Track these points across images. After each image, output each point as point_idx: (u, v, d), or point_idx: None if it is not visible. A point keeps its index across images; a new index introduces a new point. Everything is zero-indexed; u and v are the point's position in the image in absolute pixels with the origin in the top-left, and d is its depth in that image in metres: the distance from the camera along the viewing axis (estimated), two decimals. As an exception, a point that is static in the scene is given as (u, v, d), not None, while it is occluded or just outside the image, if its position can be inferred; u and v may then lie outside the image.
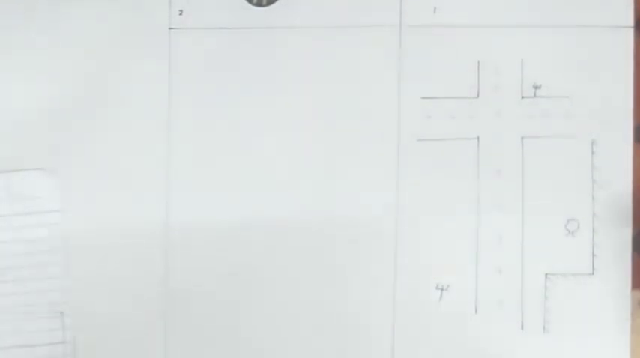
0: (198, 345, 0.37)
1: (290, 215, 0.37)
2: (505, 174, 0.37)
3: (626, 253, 0.37)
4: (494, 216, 0.37)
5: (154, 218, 0.37)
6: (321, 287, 0.37)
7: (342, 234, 0.37)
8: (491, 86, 0.37)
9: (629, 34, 0.37)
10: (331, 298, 0.37)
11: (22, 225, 0.37)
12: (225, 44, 0.37)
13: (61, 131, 0.37)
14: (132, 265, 0.37)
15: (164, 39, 0.37)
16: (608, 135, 0.37)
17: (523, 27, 0.37)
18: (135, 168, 0.37)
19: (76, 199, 0.37)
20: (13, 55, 0.37)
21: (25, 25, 0.37)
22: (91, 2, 0.37)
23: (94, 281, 0.37)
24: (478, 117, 0.37)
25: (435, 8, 0.37)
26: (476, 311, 0.37)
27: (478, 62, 0.37)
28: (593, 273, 0.37)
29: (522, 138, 0.37)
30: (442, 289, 0.37)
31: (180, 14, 0.37)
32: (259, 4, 0.38)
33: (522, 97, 0.37)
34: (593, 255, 0.37)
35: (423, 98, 0.37)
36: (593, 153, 0.37)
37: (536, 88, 0.37)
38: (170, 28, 0.37)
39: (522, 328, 0.37)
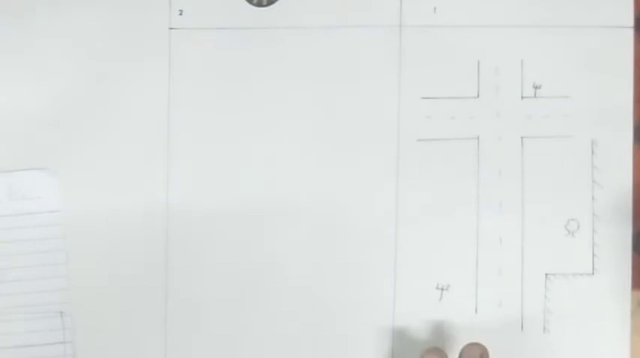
0: (199, 345, 0.37)
1: (290, 215, 0.37)
2: (505, 174, 0.37)
3: (626, 253, 0.37)
4: (494, 216, 0.37)
5: (154, 218, 0.37)
6: (321, 288, 0.37)
7: (342, 233, 0.37)
8: (492, 86, 0.37)
9: (629, 34, 0.37)
10: (331, 298, 0.37)
11: (22, 225, 0.37)
12: (225, 44, 0.37)
13: (61, 131, 0.37)
14: (132, 265, 0.37)
15: (164, 39, 0.37)
16: (608, 135, 0.37)
17: (523, 27, 0.37)
18: (135, 167, 0.37)
19: (76, 199, 0.37)
20: (13, 55, 0.37)
21: (25, 25, 0.37)
22: (91, 2, 0.37)
23: (94, 281, 0.37)
24: (478, 117, 0.37)
25: (435, 8, 0.37)
26: (476, 311, 0.37)
27: (478, 62, 0.37)
28: (593, 273, 0.37)
29: (522, 138, 0.37)
30: (442, 289, 0.37)
31: (180, 14, 0.37)
32: (259, 4, 0.38)
33: (522, 97, 0.37)
34: (593, 255, 0.37)
35: (423, 98, 0.37)
36: (593, 153, 0.37)
37: (536, 88, 0.37)
38: (170, 28, 0.37)
39: (522, 328, 0.37)
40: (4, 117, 0.37)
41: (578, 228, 0.37)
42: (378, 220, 0.37)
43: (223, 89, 0.37)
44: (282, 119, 0.37)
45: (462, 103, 0.37)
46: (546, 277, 0.37)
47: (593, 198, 0.37)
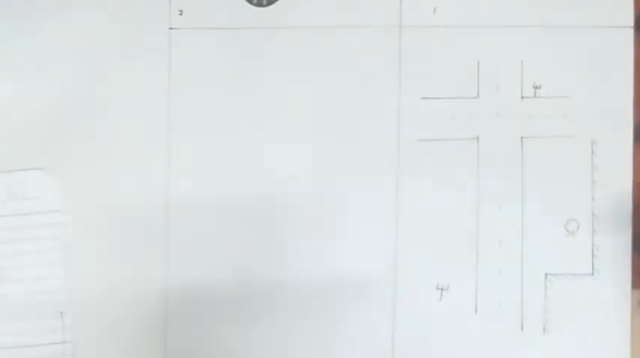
0: (199, 345, 0.37)
1: (290, 214, 0.37)
2: (505, 174, 0.37)
3: (626, 253, 0.37)
4: (494, 216, 0.37)
5: (154, 218, 0.37)
6: (321, 288, 0.37)
7: (342, 233, 0.37)
8: (492, 86, 0.37)
9: (629, 34, 0.37)
10: (331, 298, 0.37)
11: (22, 225, 0.37)
12: (225, 44, 0.37)
13: (61, 131, 0.37)
14: (132, 265, 0.37)
15: (164, 39, 0.37)
16: (608, 135, 0.37)
17: (523, 27, 0.37)
18: (135, 168, 0.37)
19: (76, 199, 0.37)
20: (14, 55, 0.37)
21: (25, 26, 0.37)
22: (91, 2, 0.37)
23: (94, 281, 0.37)
24: (478, 117, 0.37)
25: (434, 8, 0.37)
26: (476, 311, 0.37)
27: (478, 62, 0.37)
28: (593, 273, 0.37)
29: (522, 138, 0.37)
30: (442, 289, 0.37)
31: (180, 14, 0.37)
32: (259, 4, 0.38)
33: (522, 97, 0.37)
34: (593, 255, 0.37)
35: (423, 98, 0.37)
36: (593, 153, 0.37)
37: (536, 88, 0.37)
38: (170, 28, 0.37)
39: (522, 328, 0.37)
40: (4, 117, 0.37)
41: (578, 228, 0.37)
42: (378, 220, 0.37)
43: (223, 89, 0.37)
44: (281, 119, 0.37)
45: (462, 103, 0.37)
46: (546, 277, 0.37)
47: (593, 198, 0.37)
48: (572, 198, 0.37)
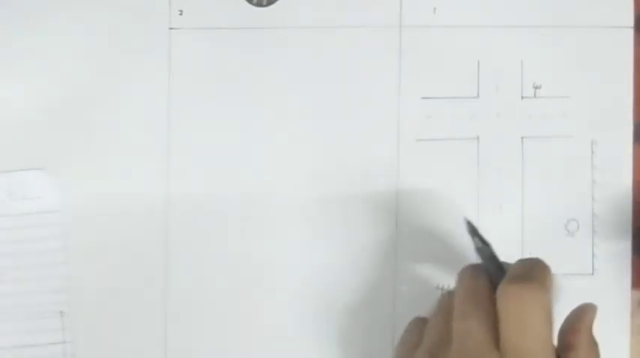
0: (199, 345, 0.37)
1: (289, 214, 0.37)
2: (505, 174, 0.37)
3: (626, 253, 0.37)
4: (494, 216, 0.37)
5: (154, 219, 0.37)
6: (321, 288, 0.37)
7: (342, 232, 0.37)
8: (492, 86, 0.37)
9: (629, 34, 0.37)
10: (331, 298, 0.37)
11: (22, 225, 0.37)
12: (225, 44, 0.37)
13: (61, 131, 0.37)
14: (132, 266, 0.37)
15: (164, 39, 0.37)
16: (608, 135, 0.37)
17: (523, 27, 0.37)
18: (135, 168, 0.37)
19: (76, 199, 0.37)
20: (14, 56, 0.37)
21: (25, 26, 0.37)
22: (91, 2, 0.37)
23: (94, 281, 0.37)
24: (478, 117, 0.37)
25: (434, 8, 0.37)
26: (476, 311, 0.37)
27: (478, 62, 0.37)
28: (593, 273, 0.37)
29: (522, 138, 0.37)
30: (442, 289, 0.37)
31: (180, 14, 0.37)
32: (259, 4, 0.38)
33: (522, 97, 0.37)
34: (593, 255, 0.37)
35: (423, 98, 0.37)
36: (593, 153, 0.37)
37: (536, 88, 0.37)
38: (170, 28, 0.37)
39: (522, 328, 0.37)
40: (4, 117, 0.37)
41: (578, 228, 0.37)
42: (377, 220, 0.37)
43: (223, 89, 0.37)
44: (281, 119, 0.37)
45: (462, 103, 0.37)
46: (546, 277, 0.37)
47: (593, 198, 0.37)
48: (572, 198, 0.37)
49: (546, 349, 0.26)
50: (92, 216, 0.37)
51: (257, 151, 0.37)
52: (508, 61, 0.37)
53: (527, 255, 0.37)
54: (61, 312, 0.37)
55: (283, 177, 0.37)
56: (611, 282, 0.37)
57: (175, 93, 0.37)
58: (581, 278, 0.37)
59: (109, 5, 0.37)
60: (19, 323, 0.37)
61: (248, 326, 0.37)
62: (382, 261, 0.37)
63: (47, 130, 0.37)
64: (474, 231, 0.31)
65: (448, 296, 0.30)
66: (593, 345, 0.28)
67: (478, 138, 0.37)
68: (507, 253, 0.37)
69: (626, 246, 0.37)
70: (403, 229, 0.37)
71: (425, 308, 0.37)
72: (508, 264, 0.30)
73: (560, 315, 0.37)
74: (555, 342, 0.27)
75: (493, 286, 0.28)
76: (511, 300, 0.26)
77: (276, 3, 0.37)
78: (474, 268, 0.30)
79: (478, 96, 0.37)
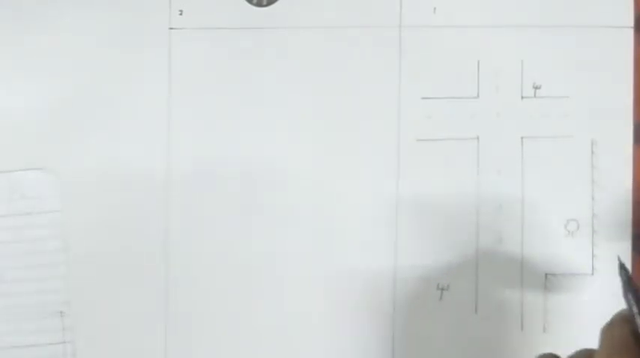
0: (199, 345, 0.37)
1: (290, 215, 0.37)
2: (505, 174, 0.37)
3: (626, 253, 0.37)
4: (494, 216, 0.37)
5: (153, 219, 0.37)
6: (321, 288, 0.37)
7: (342, 233, 0.37)
8: (492, 86, 0.37)
9: (629, 34, 0.37)
10: (331, 298, 0.37)
11: (22, 225, 0.37)
12: (225, 44, 0.37)
13: (61, 131, 0.37)
14: (132, 266, 0.37)
15: (164, 39, 0.37)
16: (608, 135, 0.37)
17: (523, 27, 0.37)
18: (135, 168, 0.37)
19: (76, 199, 0.37)
20: (14, 55, 0.37)
21: (25, 26, 0.37)
22: (91, 2, 0.37)
23: (94, 281, 0.37)
24: (478, 117, 0.37)
25: (434, 8, 0.37)
26: (476, 311, 0.37)
27: (478, 62, 0.37)
28: (593, 273, 0.37)
29: (522, 138, 0.37)
30: (442, 289, 0.37)
31: (180, 14, 0.37)
32: (259, 4, 0.38)
33: (522, 97, 0.37)
34: (593, 255, 0.37)
35: (423, 98, 0.37)
36: (593, 153, 0.37)
37: (536, 88, 0.37)
38: (170, 28, 0.37)
39: (522, 328, 0.37)
40: (4, 117, 0.37)
41: (578, 228, 0.37)
42: (378, 220, 0.37)
43: (223, 89, 0.37)
44: (281, 119, 0.37)
45: (462, 103, 0.37)
46: (546, 277, 0.37)
47: (593, 198, 0.37)
48: (572, 198, 0.37)
49: None
50: (92, 216, 0.37)
51: (257, 151, 0.37)
52: (508, 61, 0.37)
53: (527, 256, 0.37)
54: (61, 312, 0.37)
55: (283, 177, 0.37)
56: (611, 282, 0.37)
57: (175, 93, 0.37)
58: (581, 278, 0.37)
59: (109, 5, 0.37)
60: (19, 323, 0.37)
61: (248, 326, 0.37)
62: (382, 260, 0.37)
63: (47, 130, 0.37)
64: (626, 277, 0.29)
65: (586, 352, 0.29)
66: None
67: (478, 138, 0.37)
68: (507, 253, 0.37)
69: (626, 246, 0.37)
70: (403, 229, 0.37)
71: (425, 308, 0.37)
72: None
73: (560, 315, 0.37)
74: None
75: None
76: None
77: (276, 3, 0.37)
78: (622, 318, 0.28)
79: (478, 96, 0.37)
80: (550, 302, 0.37)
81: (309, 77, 0.37)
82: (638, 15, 0.37)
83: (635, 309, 0.27)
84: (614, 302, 0.37)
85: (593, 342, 0.37)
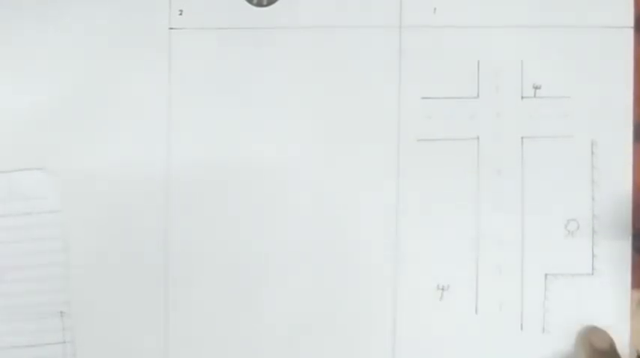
0: (199, 345, 0.37)
1: (289, 215, 0.37)
2: (505, 174, 0.37)
3: (626, 253, 0.37)
4: (494, 216, 0.37)
5: (153, 220, 0.37)
6: (321, 288, 0.37)
7: (342, 234, 0.37)
8: (492, 86, 0.37)
9: (629, 34, 0.37)
10: (331, 298, 0.37)
11: (22, 225, 0.37)
12: (225, 44, 0.37)
13: (62, 131, 0.37)
14: (132, 266, 0.37)
15: (164, 39, 0.37)
16: (608, 135, 0.37)
17: (523, 27, 0.37)
18: (135, 168, 0.37)
19: (76, 199, 0.37)
20: (14, 55, 0.37)
21: (25, 26, 0.37)
22: (91, 2, 0.37)
23: (94, 281, 0.37)
24: (478, 117, 0.37)
25: (434, 8, 0.37)
26: (476, 311, 0.37)
27: (478, 62, 0.37)
28: (593, 273, 0.37)
29: (522, 138, 0.37)
30: (442, 289, 0.37)
31: (180, 14, 0.37)
32: (259, 4, 0.38)
33: (522, 97, 0.37)
34: (593, 255, 0.37)
35: (423, 98, 0.37)
36: (593, 153, 0.37)
37: (536, 88, 0.37)
38: (170, 28, 0.37)
39: (522, 328, 0.37)
40: (4, 117, 0.37)
41: (578, 228, 0.37)
42: (378, 220, 0.37)
43: (223, 89, 0.37)
44: (281, 119, 0.37)
45: (462, 103, 0.37)
46: (546, 277, 0.37)
47: (593, 198, 0.37)
48: (572, 198, 0.37)
49: None
50: (92, 216, 0.37)
51: (257, 151, 0.37)
52: (508, 61, 0.37)
53: (527, 256, 0.37)
54: (61, 312, 0.37)
55: (283, 177, 0.37)
56: (611, 282, 0.37)
57: (175, 93, 0.37)
58: (581, 278, 0.37)
59: (109, 5, 0.37)
60: (19, 323, 0.37)
61: (248, 326, 0.37)
62: (382, 260, 0.37)
63: (47, 130, 0.37)
64: None
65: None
66: None
67: (478, 138, 0.37)
68: (507, 253, 0.37)
69: (626, 246, 0.37)
70: (403, 229, 0.37)
71: (425, 308, 0.37)
72: None
73: (560, 315, 0.37)
74: None
75: None
76: None
77: (276, 3, 0.37)
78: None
79: (478, 96, 0.37)
80: (550, 302, 0.37)
81: (309, 77, 0.37)
82: (638, 15, 0.37)
83: None
84: (614, 302, 0.37)
85: (593, 342, 0.37)
